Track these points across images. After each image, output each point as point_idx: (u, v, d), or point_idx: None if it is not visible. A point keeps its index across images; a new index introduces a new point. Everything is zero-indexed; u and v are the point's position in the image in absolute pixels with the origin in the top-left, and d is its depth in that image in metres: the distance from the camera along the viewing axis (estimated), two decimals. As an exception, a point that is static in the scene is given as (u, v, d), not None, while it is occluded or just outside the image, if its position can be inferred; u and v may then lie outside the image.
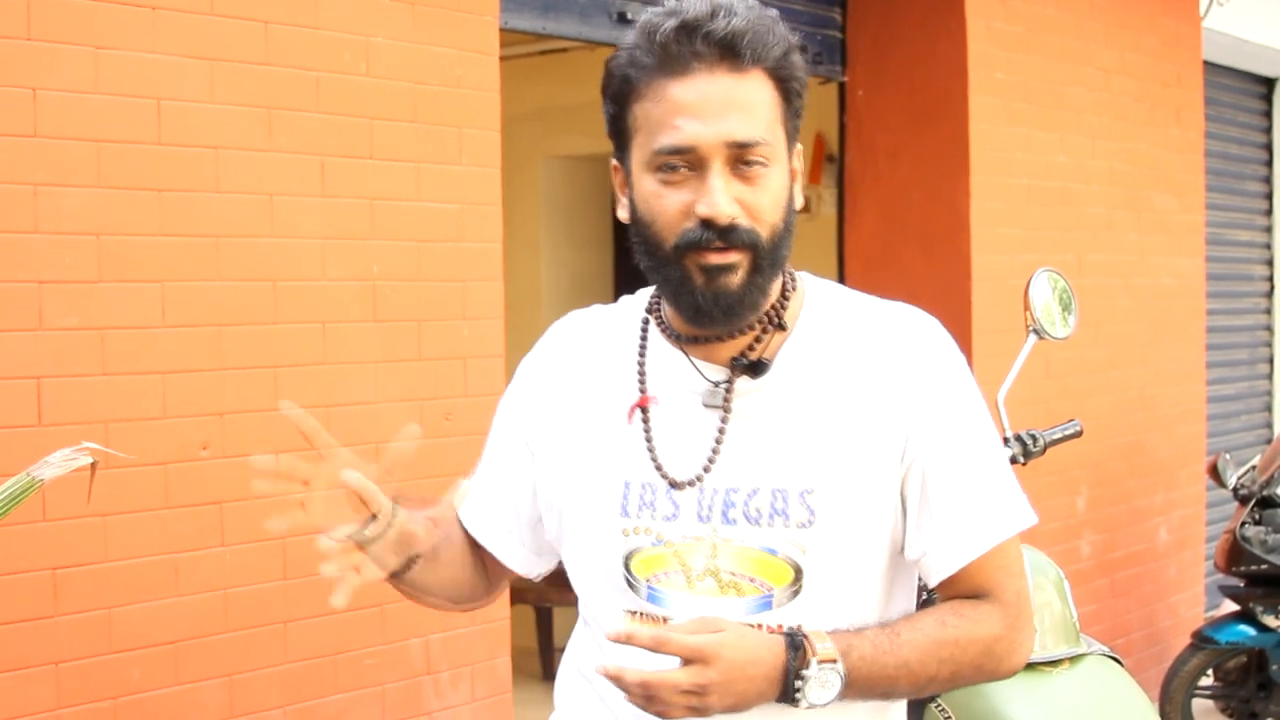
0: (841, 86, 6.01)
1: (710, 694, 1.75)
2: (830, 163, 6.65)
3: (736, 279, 1.85)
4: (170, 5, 3.45)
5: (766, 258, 1.87)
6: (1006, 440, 3.61)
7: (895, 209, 5.91)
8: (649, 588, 1.92)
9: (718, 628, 1.77)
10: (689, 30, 1.83)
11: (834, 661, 1.80)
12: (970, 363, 2.03)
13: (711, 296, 1.86)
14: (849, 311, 2.00)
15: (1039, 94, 6.05)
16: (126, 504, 3.39)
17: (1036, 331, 3.62)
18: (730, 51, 1.83)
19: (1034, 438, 3.62)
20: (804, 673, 1.78)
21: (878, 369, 1.93)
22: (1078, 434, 3.77)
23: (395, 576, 1.97)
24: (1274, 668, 5.85)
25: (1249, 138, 8.76)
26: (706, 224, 1.83)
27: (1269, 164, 8.95)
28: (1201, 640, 5.90)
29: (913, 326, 1.99)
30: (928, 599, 2.04)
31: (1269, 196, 8.96)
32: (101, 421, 3.34)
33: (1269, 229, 8.97)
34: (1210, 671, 6.01)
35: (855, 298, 2.03)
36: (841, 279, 6.04)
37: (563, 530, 2.03)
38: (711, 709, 1.75)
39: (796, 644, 1.80)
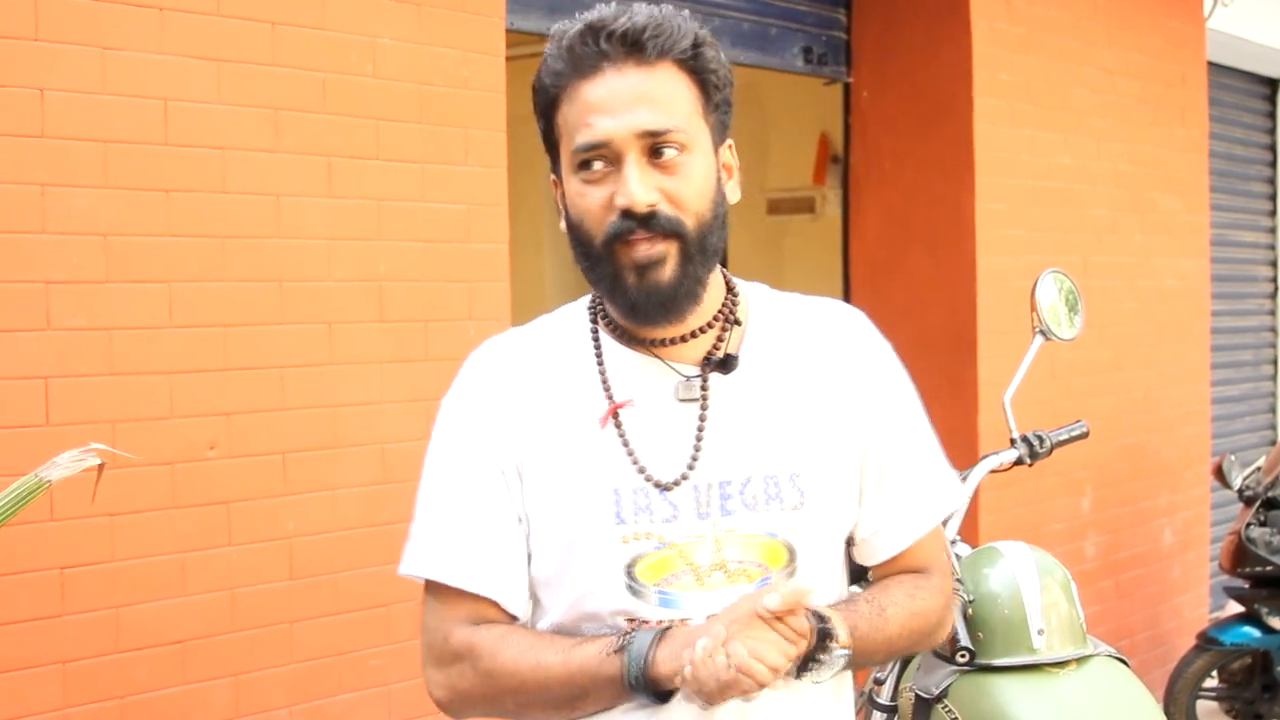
0: (846, 87, 6.01)
1: (770, 666, 1.77)
2: (835, 164, 6.65)
3: (667, 272, 1.87)
4: (177, 6, 3.45)
5: (694, 246, 1.88)
6: (1013, 441, 3.62)
7: (900, 210, 5.91)
8: (659, 592, 1.92)
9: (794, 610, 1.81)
10: (594, 31, 1.88)
11: (849, 648, 1.87)
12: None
13: (644, 294, 1.88)
14: (787, 307, 2.06)
15: (1043, 95, 6.05)
16: (134, 504, 3.40)
17: (1043, 333, 3.63)
18: (635, 46, 1.87)
19: (1041, 439, 3.63)
20: (821, 656, 1.84)
21: (829, 361, 2.01)
22: (1084, 435, 3.78)
23: None
24: (1278, 669, 5.85)
25: (1253, 138, 8.76)
26: (627, 214, 1.85)
27: (1273, 165, 8.94)
28: (1206, 642, 5.90)
29: (849, 320, 2.07)
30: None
31: (1273, 197, 8.96)
32: (108, 421, 3.35)
33: (1273, 230, 8.97)
34: (1215, 673, 6.01)
35: (785, 295, 2.09)
36: (846, 280, 6.05)
37: (547, 548, 1.97)
38: (772, 681, 1.78)
39: (826, 631, 1.84)
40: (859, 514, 2.03)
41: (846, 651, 1.86)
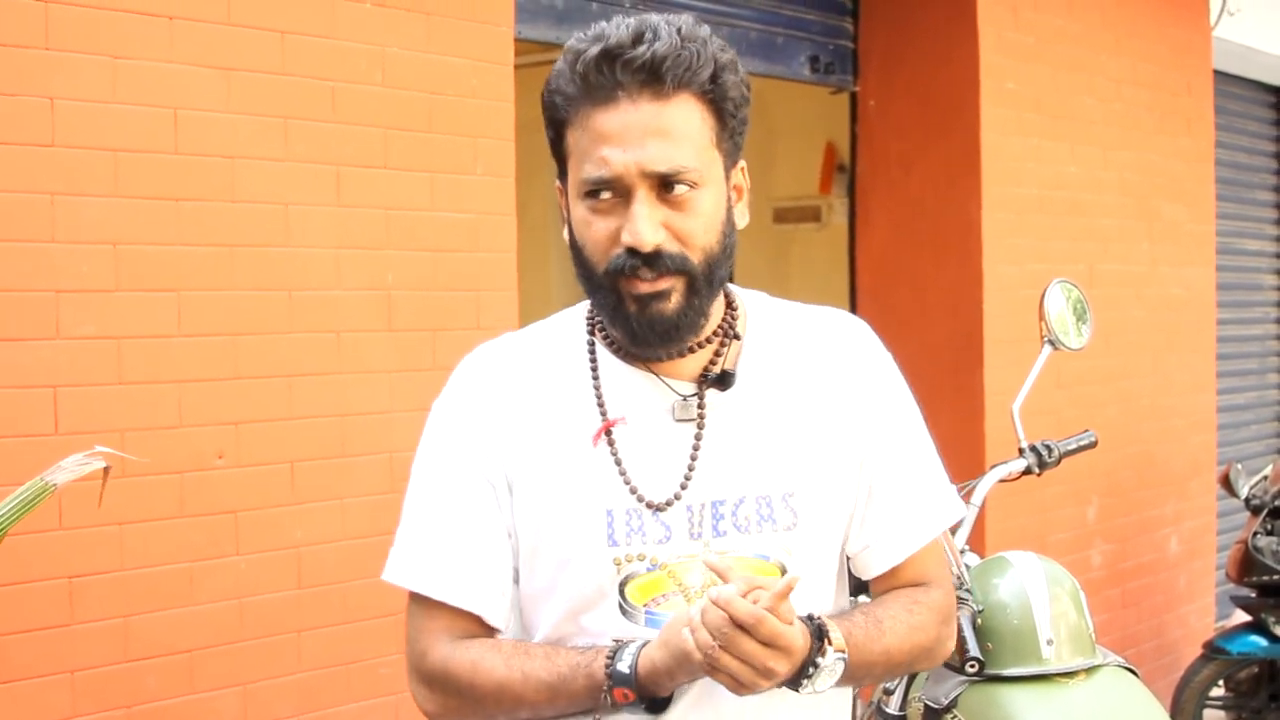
0: (853, 96, 6.02)
1: (777, 667, 1.74)
2: (841, 172, 6.66)
3: (670, 305, 1.84)
4: (187, 15, 3.46)
5: (701, 281, 1.85)
6: (1021, 451, 3.62)
7: (907, 219, 5.91)
8: (647, 613, 1.90)
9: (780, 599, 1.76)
10: (610, 58, 1.80)
11: (843, 650, 1.83)
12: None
13: (646, 323, 1.85)
14: (787, 318, 2.03)
15: (1050, 104, 6.05)
16: (142, 513, 3.40)
17: (1051, 342, 3.62)
18: (653, 78, 1.80)
19: (1049, 448, 3.62)
20: (819, 661, 1.80)
21: (828, 372, 1.98)
22: (1092, 444, 3.77)
23: None
24: (1286, 678, 5.85)
25: (1259, 147, 8.76)
26: (632, 252, 1.81)
27: (1279, 173, 8.94)
28: (1213, 651, 5.89)
29: (850, 331, 2.04)
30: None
31: (1279, 206, 8.96)
32: (117, 430, 3.35)
33: (1279, 239, 8.97)
34: (1221, 682, 6.00)
35: (786, 304, 2.06)
36: (853, 288, 6.05)
37: (537, 566, 1.94)
38: (763, 683, 1.75)
39: (820, 633, 1.81)
40: (851, 528, 2.01)
41: (842, 655, 1.82)
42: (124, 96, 3.36)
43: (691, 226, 1.83)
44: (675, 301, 1.84)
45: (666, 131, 1.81)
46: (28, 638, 3.23)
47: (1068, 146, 6.16)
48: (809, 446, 1.95)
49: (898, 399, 2.04)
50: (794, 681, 1.80)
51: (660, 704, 1.86)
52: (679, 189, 1.82)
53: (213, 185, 3.52)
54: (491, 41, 4.10)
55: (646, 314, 1.84)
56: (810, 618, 1.81)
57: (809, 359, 1.99)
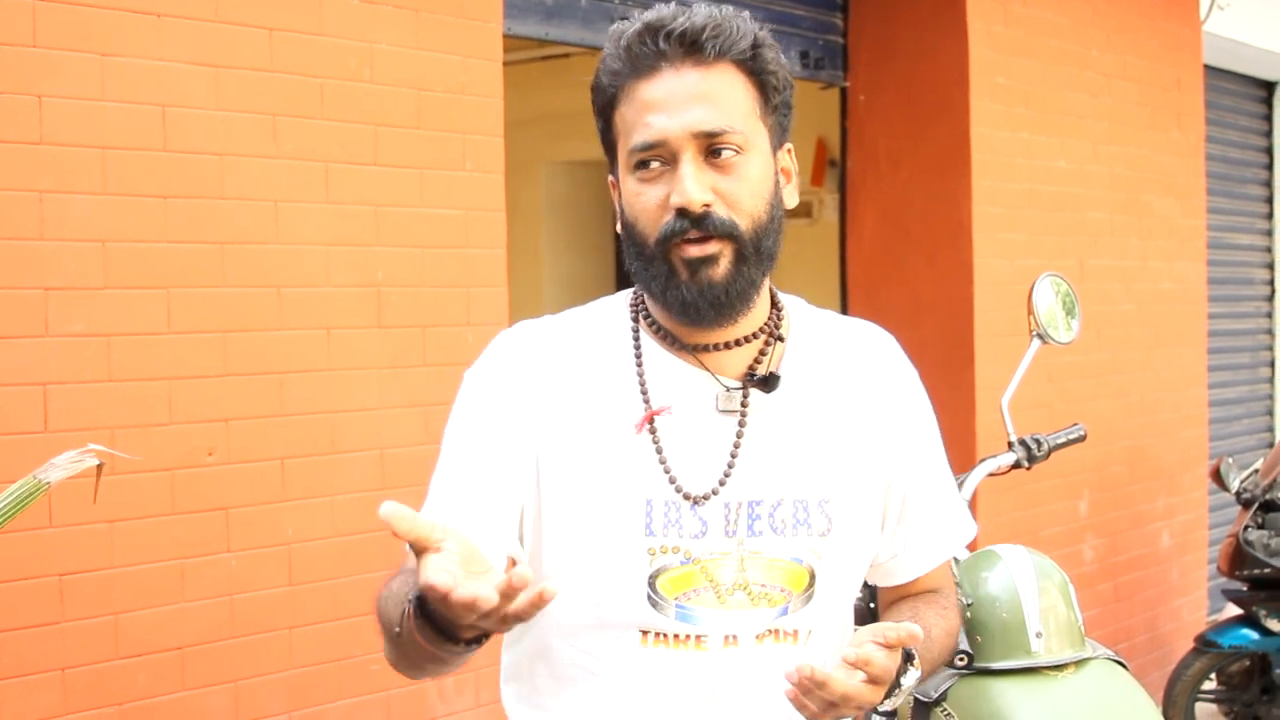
0: (843, 91, 6.02)
1: (879, 694, 1.78)
2: (832, 167, 6.66)
3: (720, 270, 1.84)
4: (175, 12, 3.46)
5: (749, 248, 1.86)
6: (1011, 445, 3.62)
7: (897, 213, 5.92)
8: (678, 606, 1.89)
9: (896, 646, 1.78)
10: (652, 31, 1.85)
11: (919, 667, 1.90)
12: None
13: (697, 289, 1.85)
14: (825, 326, 2.04)
15: (1040, 98, 6.06)
16: (133, 510, 3.40)
17: (1040, 336, 3.63)
18: (694, 46, 1.85)
19: (1038, 442, 3.63)
20: (902, 680, 1.86)
21: (865, 385, 2.00)
22: (1081, 438, 3.78)
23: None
24: (1277, 672, 5.84)
25: (1249, 141, 8.77)
26: (682, 213, 1.83)
27: (1269, 168, 8.95)
28: (1204, 644, 5.90)
29: (885, 346, 2.07)
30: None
31: (1269, 200, 8.97)
32: (108, 427, 3.35)
33: (1269, 233, 8.98)
34: (1213, 675, 6.01)
35: (823, 312, 2.07)
36: (843, 283, 6.06)
37: (567, 550, 1.91)
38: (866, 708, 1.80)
39: (909, 654, 1.87)
40: (880, 540, 2.04)
41: (919, 672, 1.89)
42: (112, 94, 3.36)
43: (739, 191, 1.85)
44: (724, 267, 1.85)
45: (710, 96, 1.85)
46: (18, 635, 3.23)
47: (1058, 141, 6.17)
48: (846, 455, 1.96)
49: (927, 416, 2.08)
50: (884, 697, 1.85)
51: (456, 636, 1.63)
52: (725, 153, 1.84)
53: (202, 182, 3.52)
54: (480, 38, 4.11)
55: (698, 280, 1.84)
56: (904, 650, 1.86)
57: (848, 369, 2.00)
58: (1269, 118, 8.94)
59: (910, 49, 5.81)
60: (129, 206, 3.40)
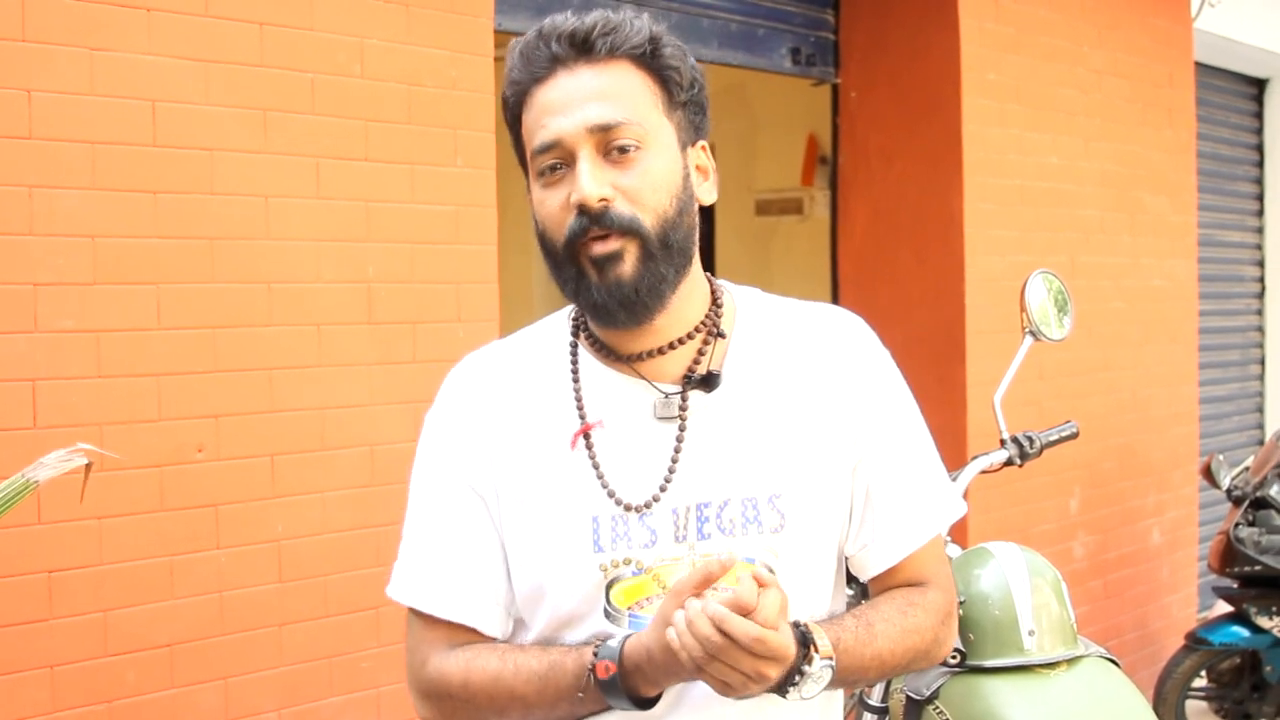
0: (834, 88, 6.01)
1: (768, 673, 1.72)
2: (823, 165, 6.65)
3: (626, 268, 1.84)
4: (165, 7, 3.44)
5: (655, 244, 1.85)
6: (1003, 442, 3.62)
7: (888, 210, 5.91)
8: (630, 616, 1.89)
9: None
10: (545, 37, 1.88)
11: (830, 657, 1.81)
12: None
13: (606, 290, 1.85)
14: (779, 315, 2.01)
15: (1031, 95, 6.05)
16: (122, 506, 3.39)
17: (1033, 333, 3.62)
18: (585, 45, 1.86)
19: (1030, 439, 3.62)
20: (805, 669, 1.78)
21: (820, 372, 1.96)
22: (1074, 435, 3.77)
23: None
24: (1268, 669, 5.86)
25: (1240, 139, 8.78)
26: (583, 211, 1.83)
27: (1260, 165, 8.96)
28: (1195, 641, 5.91)
29: (845, 328, 2.02)
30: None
31: (1260, 198, 8.98)
32: (96, 424, 3.34)
33: (1260, 230, 8.99)
34: (1204, 673, 6.01)
35: (780, 301, 2.04)
36: (835, 280, 6.05)
37: (524, 571, 1.93)
38: (753, 688, 1.74)
39: (806, 640, 1.79)
40: (849, 529, 1.99)
41: (829, 662, 1.79)
42: (102, 89, 3.35)
43: (639, 185, 1.84)
44: (630, 264, 1.84)
45: (603, 93, 1.85)
46: (6, 633, 3.22)
47: (1049, 137, 6.17)
48: (797, 447, 1.93)
49: (894, 397, 2.02)
50: (780, 688, 1.78)
51: (647, 701, 1.84)
52: (625, 148, 1.84)
53: (192, 178, 3.51)
54: (471, 33, 4.10)
55: (605, 280, 1.84)
56: (796, 624, 1.79)
57: (800, 357, 1.97)
58: (1259, 115, 8.95)
59: (902, 45, 5.80)
60: (118, 202, 3.38)
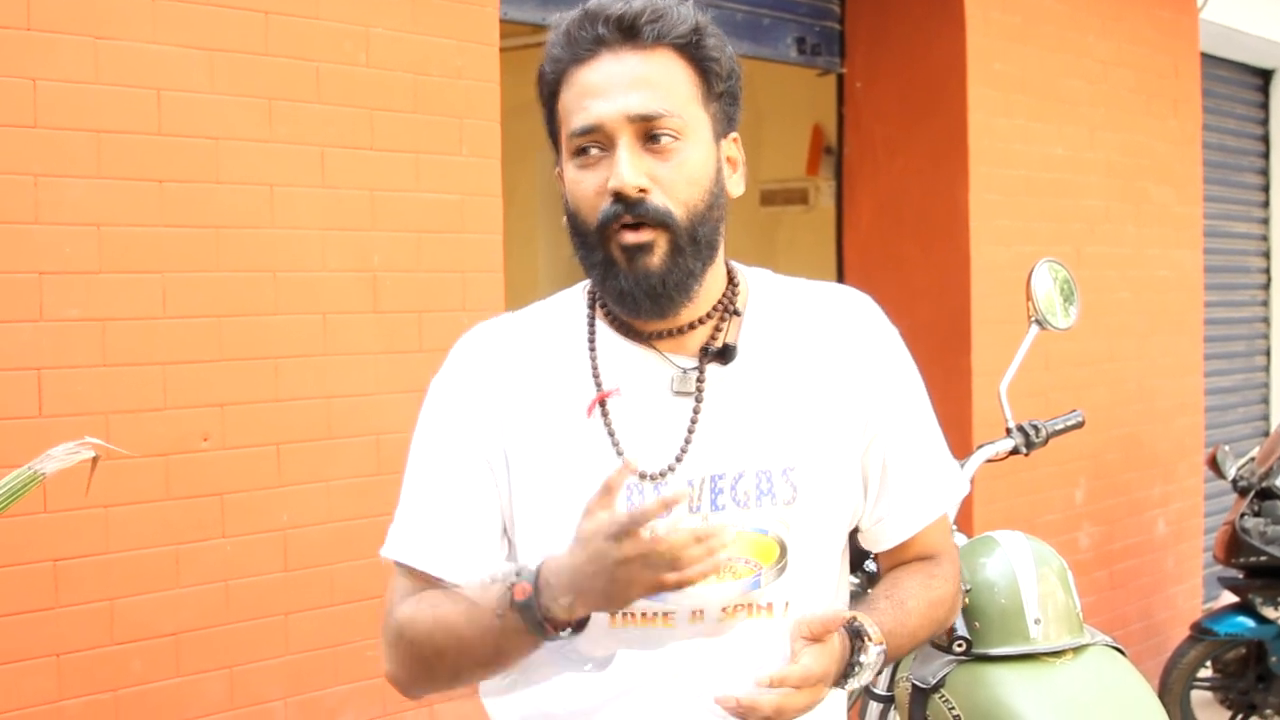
0: (840, 78, 6.01)
1: (822, 693, 1.81)
2: (828, 155, 6.65)
3: (656, 259, 1.85)
4: (170, -5, 3.45)
5: (685, 238, 1.86)
6: (1009, 431, 3.61)
7: (894, 201, 5.91)
8: None
9: (824, 637, 1.81)
10: (591, 17, 1.87)
11: (882, 643, 1.88)
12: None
13: (634, 279, 1.86)
14: (791, 295, 2.03)
15: (1037, 85, 6.05)
16: (127, 495, 3.39)
17: (1039, 322, 3.62)
18: (632, 30, 1.86)
19: (1036, 429, 3.62)
20: (861, 659, 1.85)
21: (833, 349, 1.98)
22: (1080, 424, 3.77)
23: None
24: (1273, 659, 5.86)
25: (1246, 129, 8.77)
26: (618, 198, 1.83)
27: (1266, 156, 8.95)
28: (1200, 632, 5.91)
29: (857, 306, 2.04)
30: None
31: (1266, 188, 8.97)
32: (102, 413, 3.34)
33: (1266, 221, 8.98)
34: (1209, 663, 6.01)
35: (790, 281, 2.06)
36: (840, 270, 6.05)
37: (536, 538, 1.92)
38: (821, 694, 1.81)
39: (860, 633, 1.86)
40: (863, 504, 2.02)
41: (881, 648, 1.87)
42: (107, 77, 3.34)
43: (675, 177, 1.85)
44: (660, 257, 1.85)
45: (648, 80, 1.85)
46: (12, 621, 3.22)
47: (1055, 128, 6.16)
48: (811, 421, 1.95)
49: (906, 374, 2.05)
50: (839, 682, 1.86)
51: (561, 626, 1.77)
52: (663, 139, 1.84)
53: (197, 166, 3.50)
54: (477, 22, 4.09)
55: (634, 269, 1.85)
56: (851, 620, 1.87)
57: (813, 334, 1.99)
58: (1265, 105, 8.94)
59: (907, 35, 5.80)
60: (124, 190, 3.38)
